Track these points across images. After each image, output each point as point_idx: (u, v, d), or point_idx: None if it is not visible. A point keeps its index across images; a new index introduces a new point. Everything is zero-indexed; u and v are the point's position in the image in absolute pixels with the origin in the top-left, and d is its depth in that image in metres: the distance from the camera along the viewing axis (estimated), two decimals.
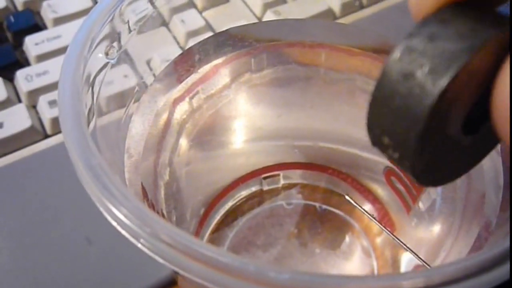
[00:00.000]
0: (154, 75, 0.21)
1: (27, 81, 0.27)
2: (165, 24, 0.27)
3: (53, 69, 0.28)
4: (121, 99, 0.19)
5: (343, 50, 0.22)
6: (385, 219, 0.22)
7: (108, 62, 0.17)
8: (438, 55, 0.10)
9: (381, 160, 0.21)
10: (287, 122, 0.23)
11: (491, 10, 0.11)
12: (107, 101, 0.17)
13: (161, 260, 0.12)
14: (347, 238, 0.23)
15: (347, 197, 0.23)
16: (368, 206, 0.23)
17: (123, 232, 0.12)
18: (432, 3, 0.11)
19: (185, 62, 0.21)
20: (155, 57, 0.22)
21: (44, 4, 0.31)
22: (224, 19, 0.29)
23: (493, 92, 0.10)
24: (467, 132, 0.11)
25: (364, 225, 0.23)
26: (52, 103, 0.27)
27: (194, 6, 0.28)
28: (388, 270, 0.21)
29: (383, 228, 0.22)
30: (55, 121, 0.26)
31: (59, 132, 0.26)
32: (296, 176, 0.24)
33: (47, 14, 0.31)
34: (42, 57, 0.29)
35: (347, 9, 0.31)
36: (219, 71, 0.22)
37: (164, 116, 0.20)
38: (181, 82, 0.21)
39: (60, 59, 0.28)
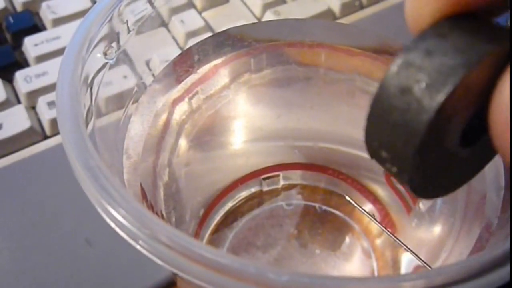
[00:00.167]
0: (153, 75, 0.21)
1: (26, 82, 0.27)
2: (164, 24, 0.27)
3: (52, 70, 0.28)
4: (120, 100, 0.19)
5: (343, 50, 0.22)
6: (386, 220, 0.22)
7: (106, 63, 0.17)
8: (435, 70, 0.10)
9: None
10: (287, 122, 0.23)
11: (488, 22, 0.11)
12: (105, 102, 0.17)
13: (160, 262, 0.12)
14: (347, 239, 0.22)
15: (347, 198, 0.23)
16: (369, 207, 0.23)
17: (122, 233, 0.12)
18: (429, 16, 0.11)
19: (184, 63, 0.21)
20: (154, 57, 0.22)
21: (43, 5, 0.31)
22: (224, 20, 0.29)
23: (491, 106, 0.10)
24: (465, 144, 0.11)
25: (364, 226, 0.23)
26: (52, 104, 0.27)
27: (193, 6, 0.28)
28: (389, 271, 0.21)
29: (384, 229, 0.22)
30: (54, 122, 0.26)
31: (58, 133, 0.26)
32: (296, 176, 0.24)
33: (46, 15, 0.30)
34: (41, 58, 0.29)
35: (347, 9, 0.31)
36: (218, 72, 0.22)
37: (163, 117, 0.20)
38: (180, 82, 0.21)
39: (59, 60, 0.28)
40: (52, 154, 0.25)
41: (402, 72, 0.10)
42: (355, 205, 0.22)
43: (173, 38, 0.27)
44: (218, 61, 0.22)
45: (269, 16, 0.29)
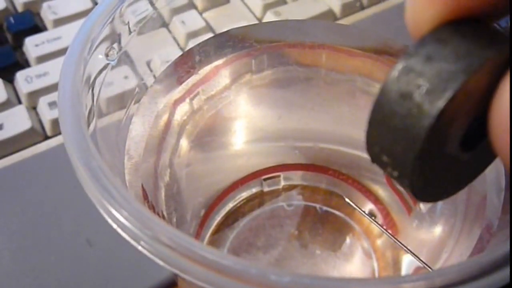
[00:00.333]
0: (154, 76, 0.21)
1: (27, 82, 0.27)
2: (165, 25, 0.27)
3: (53, 71, 0.28)
4: (121, 101, 0.19)
5: (344, 51, 0.22)
6: (387, 220, 0.22)
7: (108, 63, 0.17)
8: (435, 76, 0.10)
9: None
10: (288, 123, 0.23)
11: (488, 27, 0.11)
12: (107, 103, 0.17)
13: (161, 263, 0.12)
14: (347, 240, 0.22)
15: (346, 200, 0.23)
16: (370, 207, 0.23)
17: (123, 234, 0.12)
18: (429, 22, 0.11)
19: (185, 63, 0.21)
20: (155, 58, 0.22)
21: (44, 5, 0.31)
22: (225, 20, 0.29)
23: (491, 111, 0.10)
24: (465, 148, 0.12)
25: (365, 226, 0.23)
26: (52, 105, 0.27)
27: (194, 7, 0.28)
28: (389, 272, 0.21)
29: (384, 231, 0.22)
30: (55, 123, 0.26)
31: (59, 133, 0.26)
32: (296, 177, 0.24)
33: (47, 15, 0.30)
34: (42, 59, 0.29)
35: (347, 10, 0.31)
36: (219, 72, 0.22)
37: (165, 117, 0.20)
38: (181, 83, 0.21)
39: (60, 61, 0.28)
40: (53, 154, 0.26)
41: (403, 78, 0.10)
42: (355, 207, 0.22)
43: (174, 38, 0.27)
44: (219, 62, 0.22)
45: (269, 17, 0.29)
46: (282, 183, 0.24)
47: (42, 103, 0.27)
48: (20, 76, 0.28)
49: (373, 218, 0.22)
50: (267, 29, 0.24)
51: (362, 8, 0.31)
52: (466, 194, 0.18)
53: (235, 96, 0.22)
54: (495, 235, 0.16)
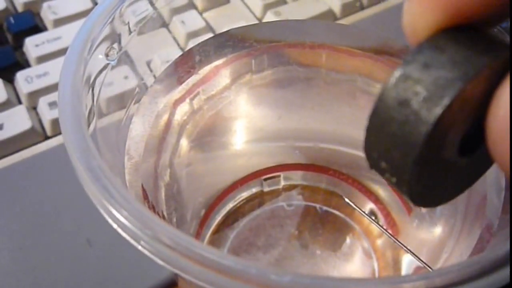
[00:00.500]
0: (154, 76, 0.21)
1: (27, 82, 0.27)
2: (165, 25, 0.27)
3: (53, 71, 0.28)
4: (121, 101, 0.19)
5: (344, 51, 0.22)
6: (387, 220, 0.22)
7: (108, 63, 0.17)
8: (433, 83, 0.10)
9: None
10: (288, 123, 0.23)
11: (485, 34, 0.11)
12: (107, 103, 0.17)
13: (161, 263, 0.12)
14: (348, 240, 0.22)
15: (346, 200, 0.23)
16: (370, 206, 0.23)
17: (124, 234, 0.12)
18: (426, 29, 0.11)
19: (186, 63, 0.21)
20: (155, 58, 0.22)
21: (44, 5, 0.31)
22: (224, 20, 0.29)
23: (488, 117, 0.10)
24: (463, 153, 0.12)
25: (365, 226, 0.23)
26: (52, 105, 0.27)
27: (194, 7, 0.28)
28: (389, 272, 0.21)
29: (384, 231, 0.22)
30: (55, 123, 0.26)
31: (60, 133, 0.26)
32: (296, 177, 0.24)
33: (47, 15, 0.30)
34: (42, 59, 0.29)
35: (347, 10, 0.31)
36: (219, 72, 0.22)
37: (165, 117, 0.20)
38: (181, 83, 0.21)
39: (60, 61, 0.28)
40: (53, 154, 0.26)
41: (400, 85, 0.11)
42: (355, 207, 0.22)
43: (174, 39, 0.27)
44: (219, 62, 0.22)
45: (269, 17, 0.29)
46: (282, 183, 0.24)
47: (42, 103, 0.27)
48: (20, 76, 0.28)
49: (373, 218, 0.22)
50: (267, 29, 0.24)
51: (362, 8, 0.31)
52: (466, 194, 0.18)
53: (235, 96, 0.22)
54: (495, 235, 0.16)
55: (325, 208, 0.23)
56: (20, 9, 0.31)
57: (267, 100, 0.23)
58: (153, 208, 0.18)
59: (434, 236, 0.20)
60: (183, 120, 0.21)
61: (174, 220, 0.20)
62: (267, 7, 0.30)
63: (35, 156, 0.25)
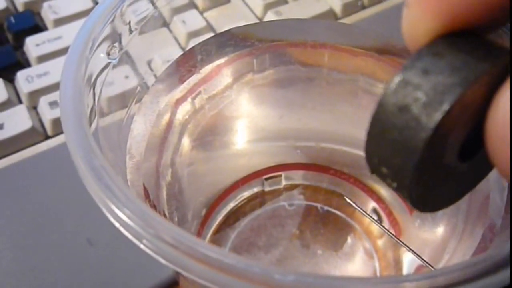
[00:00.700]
0: (155, 76, 0.21)
1: (27, 82, 0.27)
2: (166, 24, 0.27)
3: (53, 70, 0.28)
4: (123, 100, 0.19)
5: (346, 50, 0.22)
6: (390, 219, 0.22)
7: (109, 63, 0.17)
8: (432, 89, 0.10)
9: None
10: (289, 122, 0.23)
11: (483, 39, 0.11)
12: (108, 102, 0.17)
13: (164, 261, 0.12)
14: (349, 239, 0.22)
15: (347, 199, 0.23)
16: (372, 205, 0.23)
17: (126, 233, 0.12)
18: (425, 35, 0.11)
19: (187, 63, 0.21)
20: (156, 57, 0.22)
21: (45, 5, 0.31)
22: (225, 20, 0.29)
23: (487, 123, 0.10)
24: (463, 158, 0.12)
25: (366, 226, 0.23)
26: (53, 104, 0.27)
27: (195, 6, 0.28)
28: (391, 271, 0.21)
29: (385, 230, 0.22)
30: (55, 122, 0.26)
31: (60, 133, 0.26)
32: (298, 177, 0.24)
33: (48, 15, 0.30)
34: (42, 58, 0.29)
35: (348, 10, 0.31)
36: (221, 72, 0.22)
37: (166, 117, 0.20)
38: (183, 82, 0.21)
39: (60, 60, 0.28)
40: (54, 154, 0.25)
41: (400, 91, 0.11)
42: (355, 206, 0.22)
43: (175, 38, 0.27)
44: (220, 61, 0.22)
45: (270, 16, 0.29)
46: (284, 182, 0.24)
47: (43, 102, 0.27)
48: (21, 75, 0.28)
49: (375, 217, 0.22)
50: (269, 28, 0.24)
51: (363, 7, 0.31)
52: (468, 194, 0.18)
53: (237, 95, 0.22)
54: (498, 235, 0.16)
55: (326, 207, 0.23)
56: (20, 8, 0.31)
57: (268, 100, 0.23)
58: (154, 207, 0.18)
59: (437, 236, 0.20)
60: (185, 120, 0.21)
61: (176, 219, 0.20)
62: (267, 7, 0.30)
63: (35, 156, 0.25)
